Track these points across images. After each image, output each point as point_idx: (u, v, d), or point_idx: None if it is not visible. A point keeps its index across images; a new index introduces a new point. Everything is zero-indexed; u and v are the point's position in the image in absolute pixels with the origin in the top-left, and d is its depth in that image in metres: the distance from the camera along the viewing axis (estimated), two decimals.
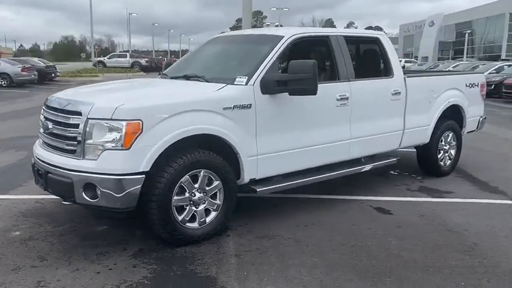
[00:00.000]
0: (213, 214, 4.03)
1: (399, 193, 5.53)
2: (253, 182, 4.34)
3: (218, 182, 3.99)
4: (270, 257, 3.70)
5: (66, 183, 3.61)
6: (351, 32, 5.39)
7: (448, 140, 6.36)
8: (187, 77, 4.64)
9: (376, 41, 5.45)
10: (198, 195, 3.88)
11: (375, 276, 3.40)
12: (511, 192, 5.67)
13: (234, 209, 4.20)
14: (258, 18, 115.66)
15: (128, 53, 50.05)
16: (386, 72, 5.41)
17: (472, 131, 6.94)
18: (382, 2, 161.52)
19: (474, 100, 6.66)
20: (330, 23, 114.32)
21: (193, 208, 3.89)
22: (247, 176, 4.20)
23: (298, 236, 4.15)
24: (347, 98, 4.84)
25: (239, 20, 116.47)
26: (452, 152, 6.48)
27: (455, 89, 6.31)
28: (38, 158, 4.00)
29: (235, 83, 4.17)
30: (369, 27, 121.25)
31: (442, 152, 6.30)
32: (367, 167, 5.25)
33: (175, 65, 5.51)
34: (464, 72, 8.36)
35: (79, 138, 3.62)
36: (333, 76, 4.93)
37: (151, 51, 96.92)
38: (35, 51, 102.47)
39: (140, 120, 3.53)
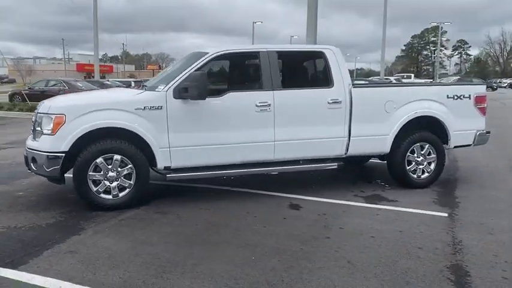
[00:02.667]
0: (126, 190, 5.24)
1: (337, 197, 5.83)
2: (176, 170, 5.40)
3: (130, 165, 5.20)
4: (140, 224, 4.75)
5: (26, 157, 5.29)
6: (289, 47, 5.94)
7: (423, 152, 6.29)
8: (141, 85, 5.98)
9: (321, 54, 5.94)
10: (111, 174, 5.15)
11: (192, 244, 4.18)
12: (464, 209, 5.47)
13: (145, 189, 5.33)
14: (436, 34, 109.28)
15: None
16: (326, 82, 5.84)
17: (465, 146, 6.64)
18: None
19: (464, 113, 6.41)
20: None
21: (107, 183, 5.16)
22: (160, 163, 5.30)
23: (187, 214, 5.07)
24: (269, 105, 5.52)
25: (415, 36, 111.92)
26: (431, 165, 6.36)
27: (430, 100, 6.25)
28: None
29: (156, 89, 5.34)
30: None
31: (413, 163, 6.28)
32: (284, 169, 5.80)
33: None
34: (447, 84, 7.73)
35: (34, 126, 5.26)
36: (256, 86, 5.66)
37: None
38: None
39: (64, 114, 5.00)
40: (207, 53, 5.55)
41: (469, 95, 6.44)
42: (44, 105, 5.24)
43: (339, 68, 5.89)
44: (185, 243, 4.22)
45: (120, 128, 5.09)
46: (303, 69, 6.45)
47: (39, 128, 5.19)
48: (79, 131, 4.99)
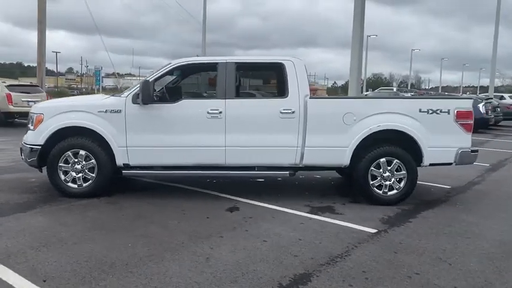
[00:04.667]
0: (89, 182, 6.05)
1: (285, 205, 5.88)
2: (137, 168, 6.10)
3: (93, 160, 6.01)
4: (81, 209, 5.50)
5: (20, 148, 6.44)
6: (251, 59, 6.16)
7: (390, 167, 6.04)
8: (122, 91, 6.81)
9: (280, 65, 6.12)
10: (77, 166, 6.01)
11: (97, 228, 4.78)
12: (405, 228, 5.20)
13: (107, 182, 6.08)
14: None
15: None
16: (281, 93, 6.01)
17: (445, 164, 6.18)
18: None
19: (441, 128, 6.01)
20: None
21: (74, 174, 6.03)
22: (119, 160, 6.03)
23: (128, 206, 5.69)
24: (220, 112, 5.91)
25: None
26: (401, 182, 6.07)
27: (397, 113, 5.99)
28: None
29: (121, 96, 6.10)
30: None
31: (378, 178, 6.07)
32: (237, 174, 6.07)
33: None
34: (423, 97, 6.93)
35: (27, 123, 6.40)
36: (210, 94, 6.07)
37: (460, 87, 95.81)
38: (345, 88, 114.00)
39: (42, 113, 6.02)
40: (170, 63, 6.15)
41: (448, 110, 6.00)
42: (34, 106, 6.35)
43: (297, 80, 6.00)
44: (92, 227, 4.84)
45: (82, 127, 5.94)
46: (260, 80, 6.67)
47: (29, 125, 6.29)
48: (51, 128, 5.95)
